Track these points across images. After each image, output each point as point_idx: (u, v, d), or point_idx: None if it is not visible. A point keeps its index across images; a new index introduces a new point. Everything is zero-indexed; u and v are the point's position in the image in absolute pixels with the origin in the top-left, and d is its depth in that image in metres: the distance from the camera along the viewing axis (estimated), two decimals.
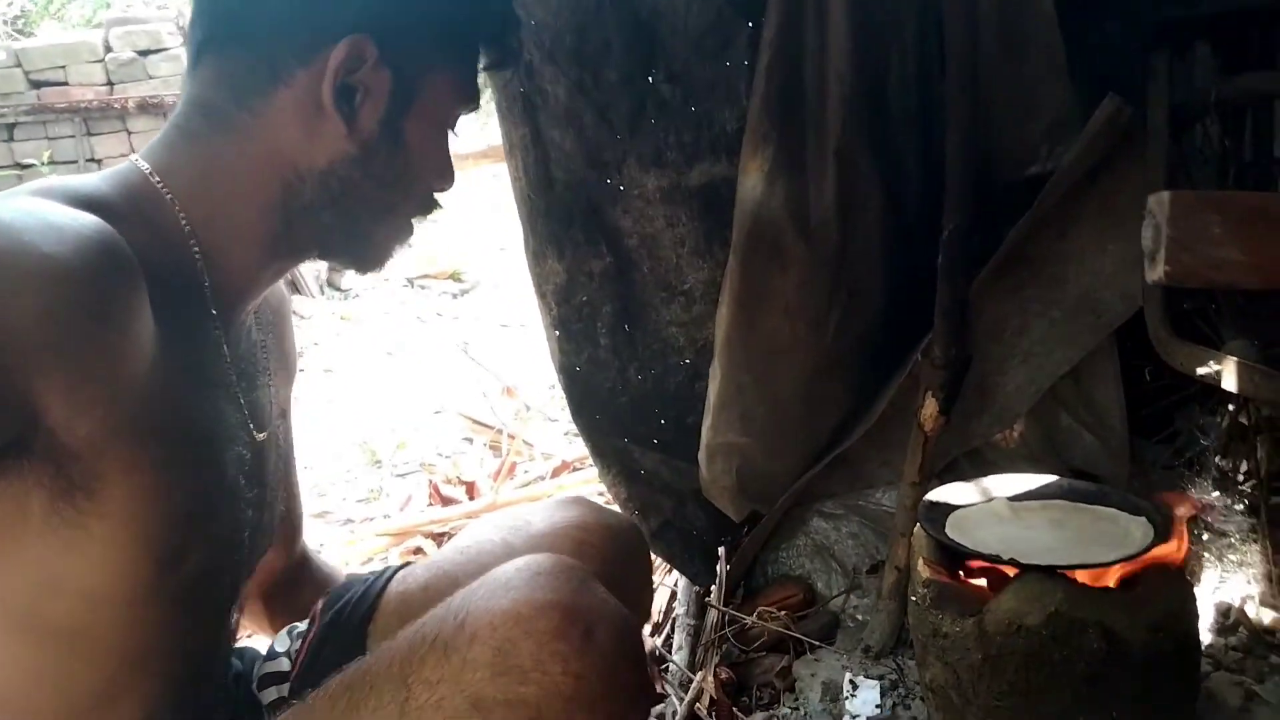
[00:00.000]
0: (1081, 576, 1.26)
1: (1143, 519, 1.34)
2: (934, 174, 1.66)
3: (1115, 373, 1.83)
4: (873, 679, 1.74)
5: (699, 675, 1.75)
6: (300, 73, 0.88)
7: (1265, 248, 0.73)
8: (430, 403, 3.83)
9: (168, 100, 7.80)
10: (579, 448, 2.82)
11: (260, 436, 0.98)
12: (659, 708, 1.73)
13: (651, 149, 1.65)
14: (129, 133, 7.85)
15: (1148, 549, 1.25)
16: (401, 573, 1.14)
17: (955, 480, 1.61)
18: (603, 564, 0.93)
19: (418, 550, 2.44)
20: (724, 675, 1.79)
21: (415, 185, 0.98)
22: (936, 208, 1.64)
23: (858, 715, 1.67)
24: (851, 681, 1.74)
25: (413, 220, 1.02)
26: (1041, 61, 1.63)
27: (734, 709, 1.71)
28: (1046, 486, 1.48)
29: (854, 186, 1.62)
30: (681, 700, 1.69)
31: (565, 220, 1.72)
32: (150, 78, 7.87)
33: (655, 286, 1.77)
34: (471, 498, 2.72)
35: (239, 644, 1.12)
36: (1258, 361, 1.59)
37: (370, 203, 0.95)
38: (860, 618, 1.90)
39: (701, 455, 1.80)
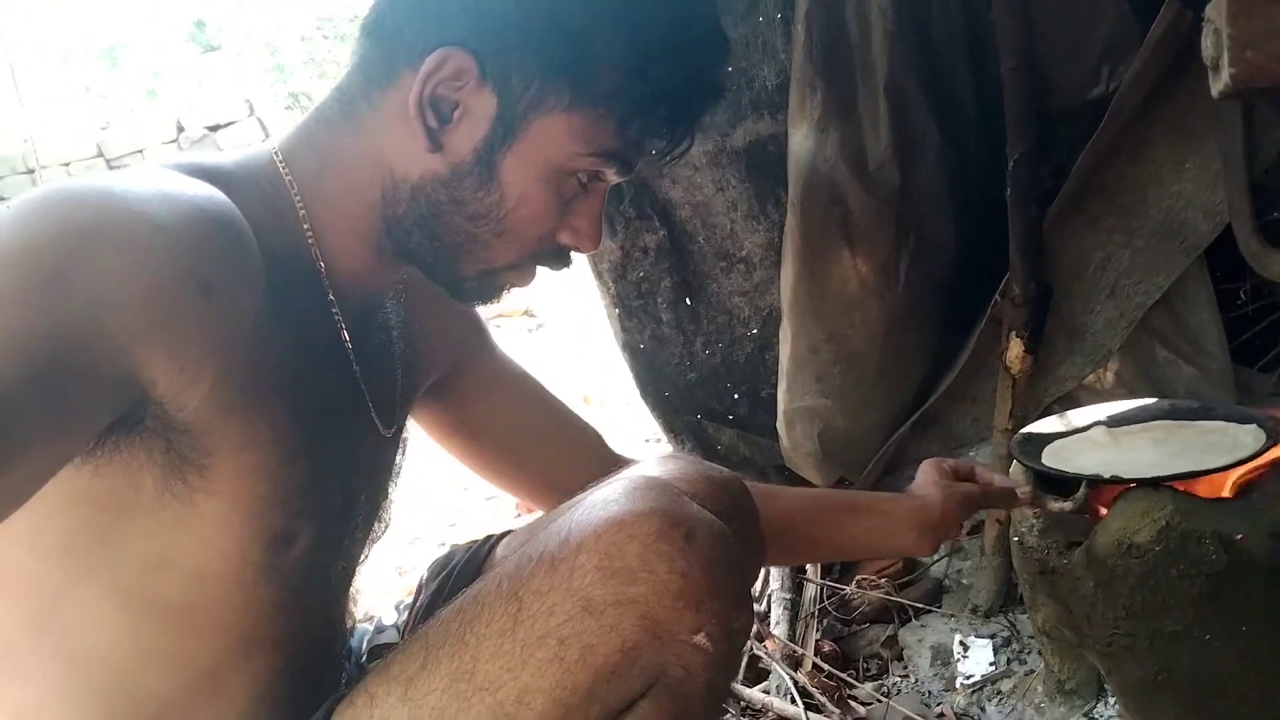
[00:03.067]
0: (1192, 487, 1.19)
1: (1253, 426, 1.25)
2: (991, 106, 1.61)
3: (1209, 297, 1.74)
4: (984, 638, 1.67)
5: (802, 648, 1.69)
6: (406, 75, 0.84)
7: None
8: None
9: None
10: (659, 450, 2.79)
11: (385, 430, 0.96)
12: (764, 683, 1.68)
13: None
14: None
15: (1262, 451, 1.17)
16: (506, 538, 1.13)
17: None
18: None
19: None
20: (827, 648, 1.73)
21: (514, 230, 0.89)
22: (998, 142, 1.58)
23: (971, 675, 1.60)
24: (962, 643, 1.67)
25: (530, 266, 0.93)
26: None
27: (842, 681, 1.65)
28: (1146, 408, 1.39)
29: (909, 126, 1.58)
30: (787, 674, 1.64)
31: (614, 197, 1.70)
32: (220, 151, 8.17)
33: (713, 256, 1.74)
34: None
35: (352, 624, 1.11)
36: None
37: (455, 233, 0.88)
38: (965, 580, 1.83)
39: (780, 423, 1.76)
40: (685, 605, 0.75)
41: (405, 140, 0.86)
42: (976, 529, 1.83)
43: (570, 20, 0.83)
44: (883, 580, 1.78)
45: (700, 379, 1.83)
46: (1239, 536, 1.11)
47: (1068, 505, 1.21)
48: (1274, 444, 1.18)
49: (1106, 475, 1.20)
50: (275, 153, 0.87)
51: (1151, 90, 1.59)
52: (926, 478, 1.19)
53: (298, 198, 0.86)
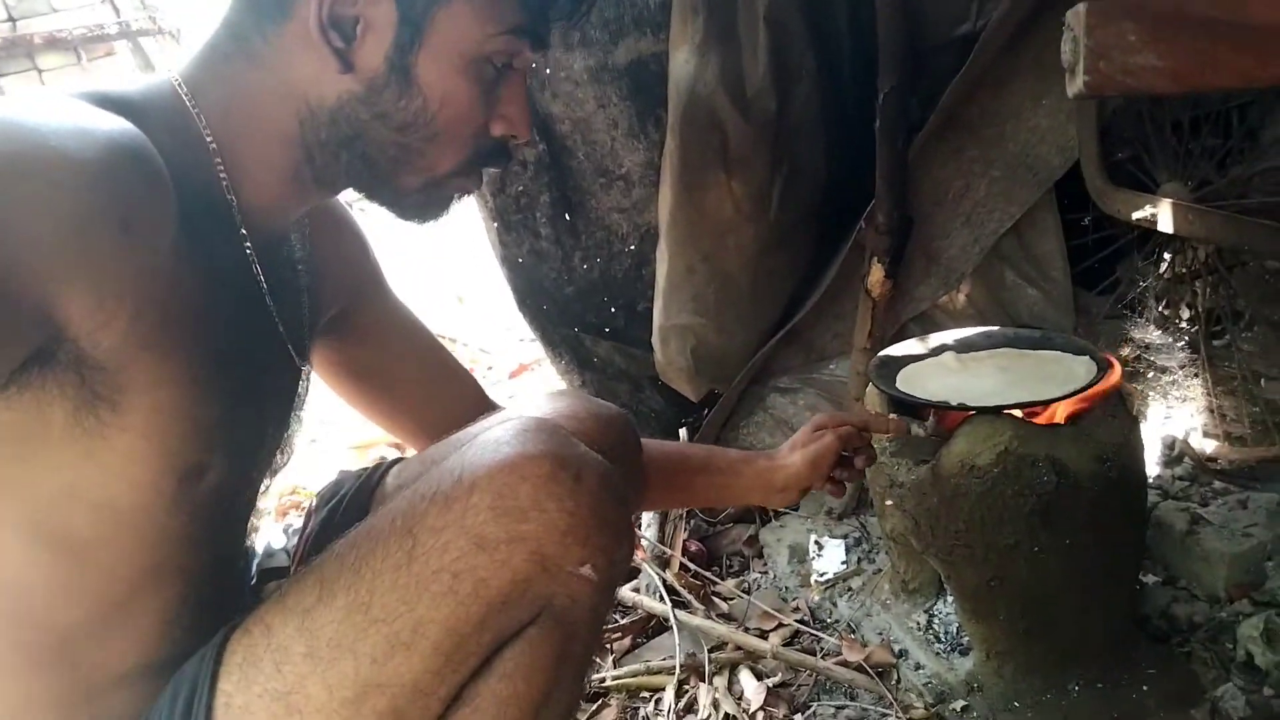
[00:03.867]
0: (1029, 414, 1.30)
1: (1086, 358, 1.37)
2: (866, 39, 1.65)
3: (1056, 226, 1.86)
4: (837, 539, 1.79)
5: (670, 549, 1.79)
6: (299, 3, 0.82)
7: (1180, 51, 0.74)
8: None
9: (76, 34, 7.49)
10: (534, 350, 2.83)
11: (294, 355, 0.96)
12: (634, 581, 1.77)
13: (575, 27, 1.62)
14: (39, 70, 7.52)
15: (1092, 384, 1.28)
16: (396, 467, 1.15)
17: None
18: (593, 448, 0.94)
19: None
20: (694, 547, 1.83)
21: (446, 131, 0.88)
22: (870, 74, 1.63)
23: (825, 573, 1.72)
24: (817, 543, 1.79)
25: (473, 169, 0.93)
26: None
27: (706, 579, 1.76)
28: (991, 335, 1.50)
29: (787, 55, 1.61)
30: (656, 574, 1.73)
31: None
32: (54, 10, 7.53)
33: (593, 173, 1.75)
34: None
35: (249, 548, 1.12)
36: (1191, 201, 1.62)
37: (386, 148, 0.87)
38: None
39: (655, 339, 1.81)
40: (573, 540, 0.79)
41: (314, 67, 0.84)
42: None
43: None
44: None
45: (578, 293, 1.86)
46: (1069, 460, 1.23)
47: (923, 431, 1.31)
48: (1103, 377, 1.30)
49: (954, 403, 1.30)
50: (178, 84, 0.84)
51: (1016, 29, 1.66)
52: (799, 436, 1.26)
53: (206, 131, 0.84)
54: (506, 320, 3.33)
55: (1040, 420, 1.34)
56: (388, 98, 0.85)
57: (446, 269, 4.08)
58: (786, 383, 1.99)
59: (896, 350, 1.50)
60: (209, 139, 0.84)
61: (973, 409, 1.29)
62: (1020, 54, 1.71)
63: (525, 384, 2.74)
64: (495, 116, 0.91)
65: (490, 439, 0.84)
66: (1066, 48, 0.83)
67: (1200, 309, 1.80)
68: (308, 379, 1.04)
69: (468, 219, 1.97)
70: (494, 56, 0.88)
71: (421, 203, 0.94)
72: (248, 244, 0.88)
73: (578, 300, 1.87)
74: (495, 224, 1.81)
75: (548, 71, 1.64)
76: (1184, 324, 1.81)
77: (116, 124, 0.73)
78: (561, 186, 1.76)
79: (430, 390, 1.22)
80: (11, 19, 7.52)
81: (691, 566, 1.79)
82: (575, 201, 1.77)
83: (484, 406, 1.21)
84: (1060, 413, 1.33)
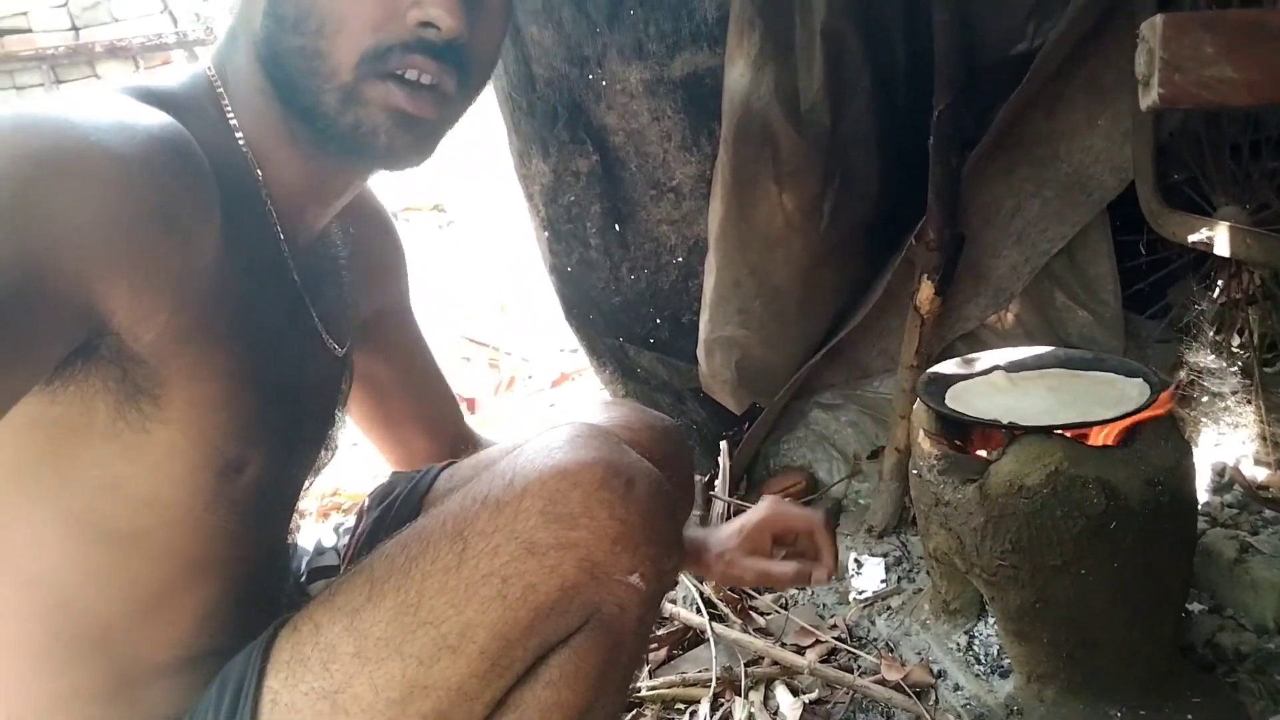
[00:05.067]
0: (1080, 435, 1.28)
1: (1139, 380, 1.35)
2: (922, 56, 1.65)
3: (1108, 248, 1.84)
4: (877, 557, 1.78)
5: None
6: None
7: (1257, 63, 0.73)
8: (425, 323, 3.83)
9: (135, 43, 7.64)
10: (576, 360, 2.84)
11: (334, 347, 0.97)
12: (671, 593, 1.77)
13: (632, 41, 1.64)
14: (98, 78, 7.70)
15: (1144, 407, 1.27)
16: (447, 471, 1.16)
17: None
18: (648, 459, 0.94)
19: None
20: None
21: (339, 18, 0.79)
22: (926, 91, 1.63)
23: (864, 590, 1.71)
24: (856, 560, 1.78)
25: (393, 78, 0.81)
26: None
27: (744, 593, 1.75)
28: (1043, 356, 1.49)
29: (843, 70, 1.61)
30: (694, 586, 1.73)
31: (549, 119, 1.71)
32: (116, 20, 7.70)
33: (644, 184, 1.76)
34: (473, 413, 2.75)
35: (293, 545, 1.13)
36: (1249, 224, 1.60)
37: (293, 56, 0.80)
38: (862, 501, 1.94)
39: (700, 350, 1.81)
40: (623, 549, 0.79)
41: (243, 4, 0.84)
42: (875, 454, 1.94)
43: None
44: (786, 500, 1.87)
45: (625, 303, 1.86)
46: (1119, 482, 1.22)
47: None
48: (1156, 399, 1.29)
49: (1005, 421, 1.29)
50: (209, 70, 0.86)
51: (1073, 49, 1.65)
52: (738, 528, 1.29)
53: (230, 115, 0.85)
54: (548, 329, 3.36)
55: (1091, 441, 1.32)
56: None
57: (490, 277, 4.12)
58: (829, 398, 1.99)
59: (945, 368, 1.49)
60: (230, 118, 0.85)
61: (1023, 428, 1.28)
62: (1076, 74, 1.71)
63: (566, 393, 2.75)
64: (410, 3, 0.80)
65: (543, 444, 0.84)
66: (1140, 60, 0.82)
67: (1254, 334, 1.78)
68: (348, 372, 1.05)
69: (516, 228, 1.99)
70: None
71: (357, 127, 0.82)
72: (277, 226, 0.88)
73: (624, 310, 1.88)
74: (546, 233, 1.83)
75: (604, 84, 1.65)
76: (1237, 349, 1.79)
77: (158, 119, 0.74)
78: (613, 197, 1.77)
79: (420, 411, 1.26)
80: (75, 28, 7.70)
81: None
82: (625, 212, 1.79)
83: (461, 440, 1.27)
84: (1111, 434, 1.32)
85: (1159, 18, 0.77)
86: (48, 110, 0.70)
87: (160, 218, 0.71)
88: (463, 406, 2.80)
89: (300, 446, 0.97)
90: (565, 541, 0.78)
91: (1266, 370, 1.78)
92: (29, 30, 7.67)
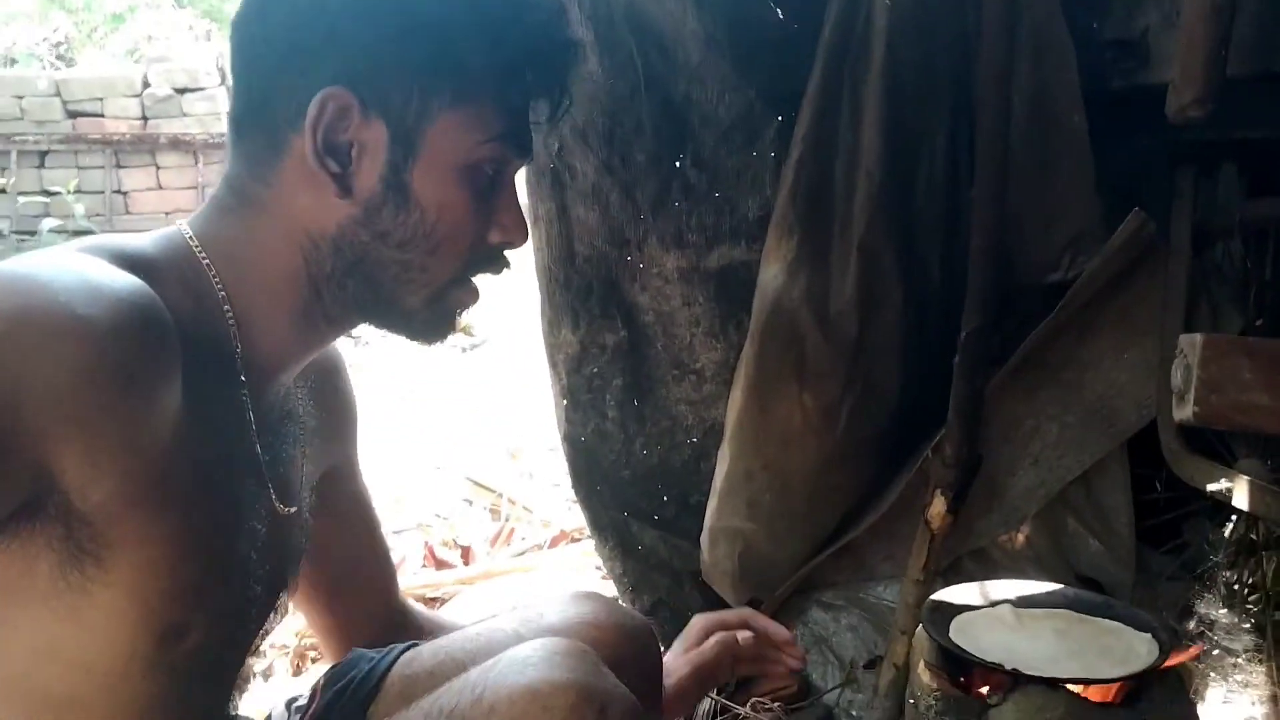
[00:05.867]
0: (1084, 690, 1.25)
1: (1148, 636, 1.32)
2: (956, 276, 1.67)
3: (1125, 481, 1.82)
4: None
5: None
6: (294, 139, 0.86)
7: None
8: (432, 458, 3.81)
9: (198, 139, 7.92)
10: (578, 517, 2.81)
11: (286, 510, 0.96)
12: None
13: (673, 230, 1.68)
14: (158, 167, 7.97)
15: (1152, 667, 1.23)
16: (408, 654, 1.11)
17: (958, 578, 1.60)
18: (615, 662, 0.92)
19: None
20: None
21: (446, 244, 0.90)
22: (956, 308, 1.64)
23: None
24: None
25: (469, 280, 0.95)
26: (1071, 174, 1.65)
27: None
28: (1052, 595, 1.46)
29: (875, 283, 1.64)
30: None
31: (584, 293, 1.73)
32: (185, 115, 8.02)
33: (667, 363, 1.78)
34: (466, 563, 2.70)
35: (237, 715, 1.10)
36: (1269, 482, 1.58)
37: (388, 266, 0.89)
38: (854, 713, 1.87)
39: (704, 538, 1.79)
40: None
41: (313, 198, 0.87)
42: (872, 663, 1.88)
43: (423, 21, 0.85)
44: (775, 704, 1.81)
45: (634, 477, 1.86)
46: None
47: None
48: (1164, 659, 1.25)
49: (1008, 666, 1.25)
50: (190, 238, 0.88)
51: (1107, 284, 1.67)
52: (691, 633, 1.31)
53: (218, 282, 0.87)
54: (557, 479, 3.33)
55: (1095, 696, 1.28)
56: (386, 216, 0.88)
57: (501, 422, 4.11)
58: (831, 598, 1.94)
59: (951, 595, 1.46)
60: (219, 287, 0.86)
61: (1028, 677, 1.24)
62: (1108, 307, 1.72)
63: (562, 556, 2.70)
64: (492, 225, 0.93)
65: (518, 657, 0.83)
66: (1178, 374, 0.83)
67: (1268, 589, 1.74)
68: (304, 530, 1.03)
69: (534, 382, 2.00)
70: (484, 164, 0.91)
71: (428, 320, 0.95)
72: (244, 392, 0.88)
73: (633, 484, 1.87)
74: (565, 401, 1.83)
75: (640, 266, 1.68)
76: (1250, 604, 1.74)
77: (127, 282, 0.75)
78: (635, 373, 1.78)
79: (353, 579, 1.22)
80: (145, 117, 8.01)
81: None
82: (645, 389, 1.80)
83: (394, 612, 1.24)
84: (1115, 691, 1.28)
85: (1199, 337, 0.78)
86: (18, 267, 0.72)
87: (120, 381, 0.71)
88: (455, 555, 2.76)
89: (248, 610, 0.94)
90: None
91: None
92: (101, 115, 7.99)
